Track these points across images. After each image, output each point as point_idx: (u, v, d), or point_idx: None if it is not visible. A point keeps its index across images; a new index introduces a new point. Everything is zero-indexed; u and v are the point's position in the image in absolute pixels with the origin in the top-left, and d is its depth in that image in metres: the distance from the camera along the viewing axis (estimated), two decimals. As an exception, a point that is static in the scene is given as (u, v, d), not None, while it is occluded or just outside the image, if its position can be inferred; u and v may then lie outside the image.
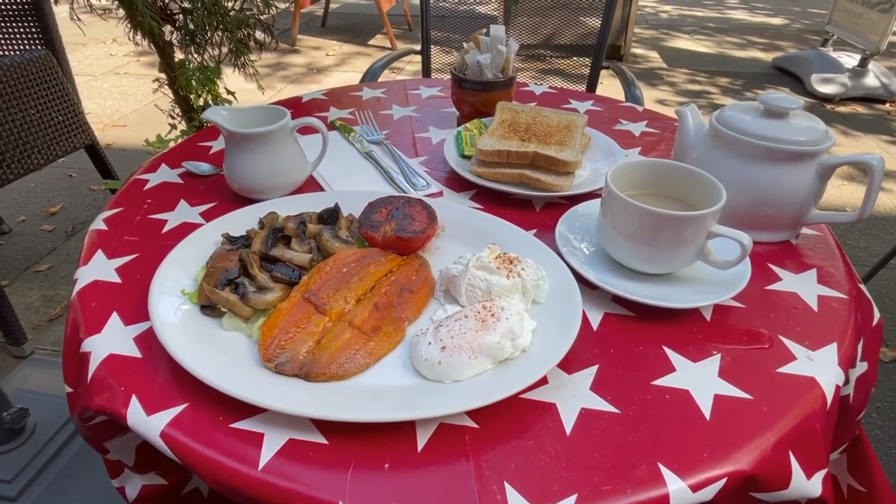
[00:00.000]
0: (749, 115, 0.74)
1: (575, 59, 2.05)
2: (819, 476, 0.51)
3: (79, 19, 1.47)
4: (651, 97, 3.79)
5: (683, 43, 4.96)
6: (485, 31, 1.00)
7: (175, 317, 0.57)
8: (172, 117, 1.74)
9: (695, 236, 0.61)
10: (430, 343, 0.52)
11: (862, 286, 0.70)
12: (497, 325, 0.53)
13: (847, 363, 0.58)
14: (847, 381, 0.63)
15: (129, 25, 1.50)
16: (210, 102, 1.66)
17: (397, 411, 0.47)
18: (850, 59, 3.81)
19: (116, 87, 3.99)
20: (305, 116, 0.80)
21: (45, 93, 1.60)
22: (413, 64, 4.25)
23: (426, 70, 1.94)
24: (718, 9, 6.12)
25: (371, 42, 4.90)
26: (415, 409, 0.48)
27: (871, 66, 3.72)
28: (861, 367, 0.65)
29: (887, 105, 3.69)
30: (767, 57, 4.57)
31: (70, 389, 0.62)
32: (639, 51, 4.71)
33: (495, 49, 0.97)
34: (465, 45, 1.01)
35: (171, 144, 1.72)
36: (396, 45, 4.69)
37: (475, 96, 1.01)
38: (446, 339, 0.52)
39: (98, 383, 0.55)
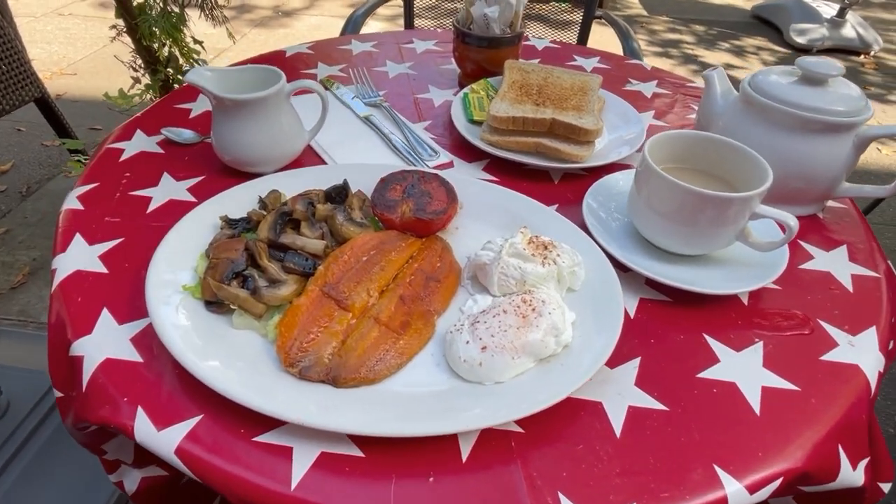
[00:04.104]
0: (784, 80, 0.69)
1: (553, 3, 1.94)
2: (862, 465, 0.50)
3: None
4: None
5: (664, -12, 4.81)
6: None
7: (178, 316, 0.51)
8: (135, 69, 1.59)
9: (737, 217, 0.57)
10: (467, 342, 0.48)
11: (890, 263, 0.68)
12: (539, 321, 0.49)
13: (886, 346, 0.57)
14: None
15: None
16: (176, 53, 1.52)
17: (441, 422, 0.44)
18: (828, 9, 3.78)
19: (61, 29, 3.64)
20: (302, 80, 0.72)
21: (-17, 39, 1.43)
22: (389, 8, 4.02)
23: (408, 16, 1.81)
24: (699, -48, 5.94)
25: (340, -17, 4.59)
26: (460, 419, 0.44)
27: (849, 16, 3.70)
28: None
29: (862, 56, 3.70)
30: (747, 5, 4.49)
31: (60, 394, 0.56)
32: (619, -4, 4.56)
33: (504, 1, 0.88)
34: (468, -5, 0.92)
35: (136, 100, 1.58)
36: (367, -14, 4.41)
37: (480, 53, 0.93)
38: (486, 338, 0.48)
39: (96, 393, 0.49)
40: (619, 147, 0.80)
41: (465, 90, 0.90)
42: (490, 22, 0.90)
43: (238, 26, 3.73)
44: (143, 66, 1.59)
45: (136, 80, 1.58)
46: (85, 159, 1.50)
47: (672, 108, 0.96)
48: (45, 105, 1.66)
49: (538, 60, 1.10)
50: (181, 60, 1.61)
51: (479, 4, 0.90)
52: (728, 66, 3.52)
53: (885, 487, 0.82)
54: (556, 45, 1.18)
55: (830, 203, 0.75)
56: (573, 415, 0.48)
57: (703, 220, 0.58)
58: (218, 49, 3.49)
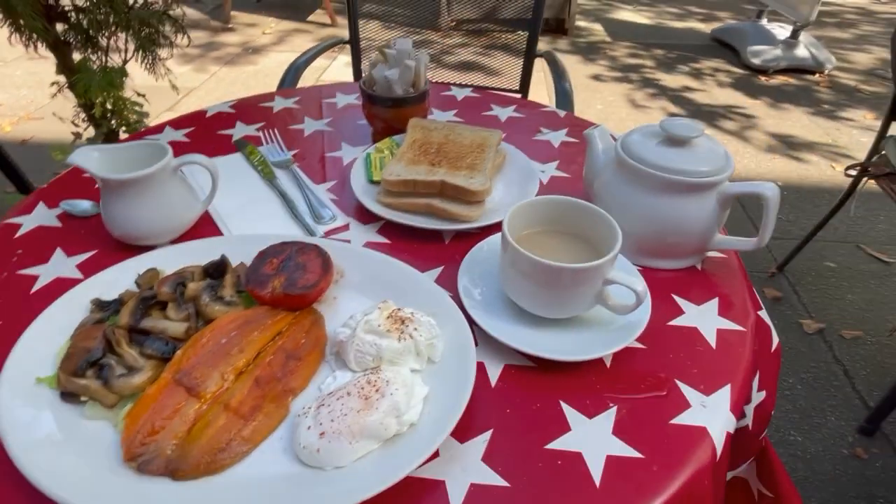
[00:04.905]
0: (651, 141, 0.72)
1: (520, 32, 1.99)
2: (707, 532, 0.51)
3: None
4: (591, 72, 3.79)
5: (627, 14, 4.95)
6: (393, 43, 0.94)
7: (25, 410, 0.51)
8: (75, 125, 1.60)
9: (591, 284, 0.59)
10: (309, 427, 0.49)
11: (761, 313, 0.70)
12: (380, 403, 0.50)
13: (741, 403, 0.59)
14: (743, 416, 0.64)
15: (11, 28, 1.35)
16: (110, 108, 1.54)
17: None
18: (783, 31, 3.90)
19: (30, 74, 3.67)
20: (189, 154, 0.74)
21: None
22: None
23: (356, 62, 1.85)
24: (660, -23, 6.12)
25: (310, 18, 4.68)
26: (288, 511, 0.45)
27: (802, 37, 3.81)
28: (759, 398, 0.67)
29: (817, 76, 3.81)
30: (706, 28, 4.62)
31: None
32: (582, 23, 4.67)
33: (402, 64, 0.92)
34: (372, 57, 0.96)
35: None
36: (336, 20, 4.50)
37: (386, 112, 0.96)
38: (326, 423, 0.49)
39: (-59, 493, 0.49)
40: (512, 205, 0.82)
41: (370, 149, 0.93)
42: (392, 83, 0.93)
43: (205, 64, 3.78)
44: (85, 119, 1.61)
45: (77, 136, 1.60)
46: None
47: (576, 158, 0.99)
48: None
49: (455, 111, 1.13)
50: (126, 112, 1.63)
51: (380, 67, 0.93)
52: (686, 89, 3.61)
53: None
54: (475, 95, 1.21)
55: (712, 254, 0.78)
56: (416, 496, 0.49)
57: (558, 286, 0.60)
58: (187, 88, 3.53)
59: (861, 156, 2.89)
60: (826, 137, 3.15)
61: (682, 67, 3.95)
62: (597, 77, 3.75)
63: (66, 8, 1.43)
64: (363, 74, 0.96)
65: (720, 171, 0.69)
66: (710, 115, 3.32)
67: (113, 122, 1.59)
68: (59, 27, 1.44)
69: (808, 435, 1.66)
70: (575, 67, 4.05)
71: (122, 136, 1.69)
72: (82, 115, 1.62)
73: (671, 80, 3.74)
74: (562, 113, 1.14)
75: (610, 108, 3.40)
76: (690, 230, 0.71)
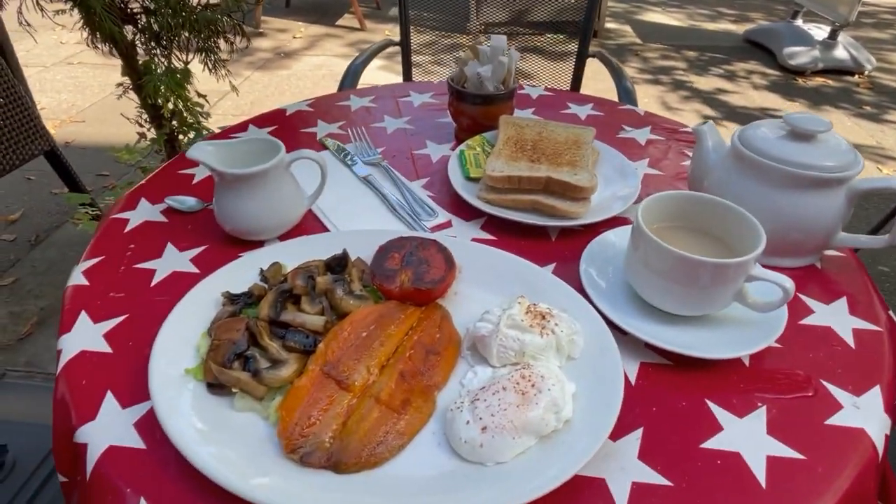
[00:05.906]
0: (773, 135, 0.70)
1: (548, 35, 1.99)
2: (873, 535, 0.49)
3: (28, 24, 1.34)
4: (627, 75, 3.76)
5: (656, 16, 4.91)
6: (486, 40, 0.93)
7: (180, 402, 0.51)
8: (140, 125, 1.62)
9: (734, 280, 0.58)
10: (468, 422, 0.48)
11: (891, 312, 0.68)
12: (539, 398, 0.49)
13: (891, 405, 0.57)
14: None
15: (86, 30, 1.37)
16: (180, 108, 1.56)
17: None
18: (820, 32, 3.83)
19: (70, 78, 3.74)
20: (301, 150, 0.74)
21: (-7, 97, 1.46)
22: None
23: (407, 63, 1.86)
24: (688, -21, 6.07)
25: (339, 22, 4.71)
26: (463, 506, 0.44)
27: (841, 37, 3.75)
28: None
29: (856, 77, 3.74)
30: (739, 29, 4.57)
31: (64, 479, 0.56)
32: (612, 25, 4.65)
33: (496, 60, 0.91)
34: (461, 54, 0.95)
35: (144, 154, 1.62)
36: (365, 24, 4.52)
37: (475, 109, 0.95)
38: (486, 418, 0.48)
39: (100, 482, 0.49)
40: (616, 201, 0.81)
41: (462, 147, 0.92)
42: (483, 80, 0.92)
43: (238, 69, 3.81)
44: (148, 120, 1.63)
45: (142, 136, 1.62)
46: (93, 210, 1.52)
47: (666, 156, 0.97)
48: (55, 157, 1.69)
49: (532, 110, 1.12)
50: (186, 114, 1.65)
51: (472, 64, 0.93)
52: (720, 91, 3.57)
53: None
54: (550, 94, 1.20)
55: (829, 252, 0.75)
56: (575, 494, 0.47)
57: (699, 283, 0.58)
58: (221, 92, 3.58)
59: (909, 158, 2.81)
60: (870, 139, 3.08)
61: (715, 69, 3.90)
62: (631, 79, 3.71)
63: (135, 11, 1.45)
64: (410, 71, 0.95)
65: (849, 166, 0.67)
66: (746, 117, 3.27)
67: (174, 122, 1.61)
68: (128, 30, 1.46)
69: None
70: (605, 70, 4.03)
71: (180, 137, 1.71)
72: (144, 116, 1.64)
73: (704, 83, 3.69)
74: (641, 111, 1.13)
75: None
76: (814, 227, 0.69)
